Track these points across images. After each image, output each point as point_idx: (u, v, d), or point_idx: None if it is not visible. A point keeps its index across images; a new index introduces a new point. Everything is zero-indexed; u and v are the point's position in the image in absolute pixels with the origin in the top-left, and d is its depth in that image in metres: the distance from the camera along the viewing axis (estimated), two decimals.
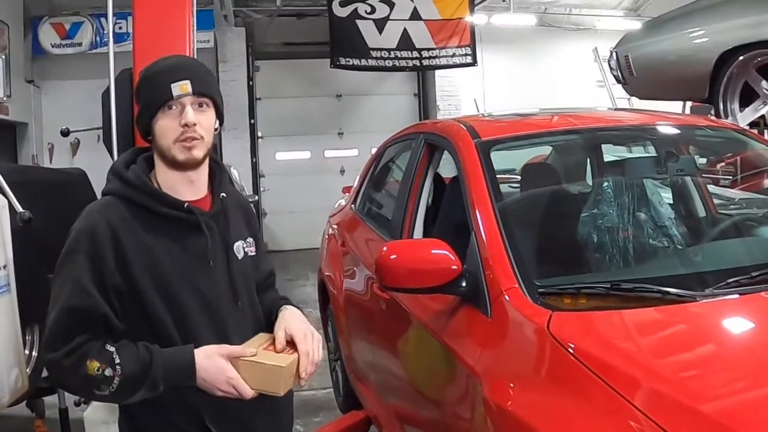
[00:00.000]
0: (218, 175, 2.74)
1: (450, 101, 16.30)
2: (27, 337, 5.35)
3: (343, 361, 5.92)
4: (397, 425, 4.35)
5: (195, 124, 2.53)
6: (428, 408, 3.71)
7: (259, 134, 16.14)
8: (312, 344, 2.62)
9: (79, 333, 2.42)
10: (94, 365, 2.39)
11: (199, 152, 2.56)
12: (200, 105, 2.57)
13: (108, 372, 2.40)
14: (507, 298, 3.05)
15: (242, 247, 2.73)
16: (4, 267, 4.40)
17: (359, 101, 16.59)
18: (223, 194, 2.70)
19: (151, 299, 2.50)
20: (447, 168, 4.83)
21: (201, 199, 2.66)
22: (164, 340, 2.51)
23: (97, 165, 6.57)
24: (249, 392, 2.47)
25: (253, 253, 2.79)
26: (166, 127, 2.53)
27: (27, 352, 5.36)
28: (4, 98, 12.38)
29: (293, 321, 2.70)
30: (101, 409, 4.37)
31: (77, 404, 5.20)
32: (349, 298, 5.45)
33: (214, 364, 2.46)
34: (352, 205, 6.16)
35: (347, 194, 6.73)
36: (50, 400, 5.56)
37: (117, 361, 2.40)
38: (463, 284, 3.25)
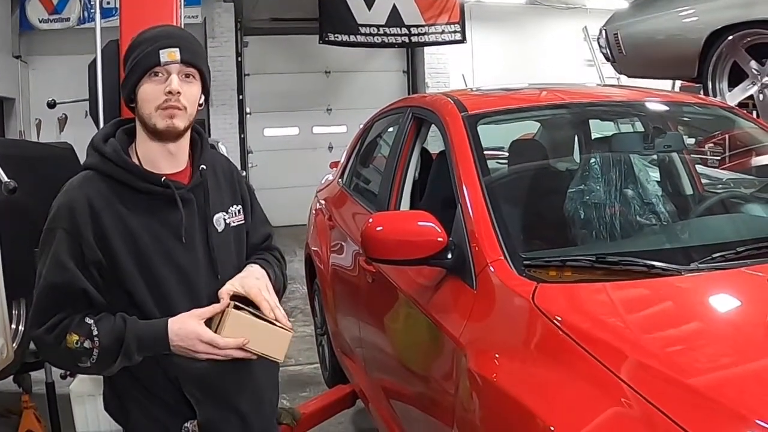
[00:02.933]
0: (199, 145, 2.72)
1: (439, 78, 16.28)
2: (14, 312, 5.33)
3: (329, 335, 5.93)
4: (383, 399, 4.36)
5: (179, 93, 2.50)
6: (414, 382, 3.71)
7: (248, 110, 16.07)
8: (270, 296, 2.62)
9: (60, 309, 2.46)
10: (73, 338, 2.44)
11: (180, 122, 2.53)
12: (187, 76, 2.54)
13: (87, 344, 2.44)
14: (492, 269, 3.04)
15: (223, 219, 2.71)
16: None
17: (348, 78, 16.56)
18: (203, 166, 2.68)
19: (129, 272, 2.51)
20: (434, 144, 4.83)
21: (181, 171, 2.65)
22: (143, 313, 2.52)
23: (84, 140, 6.48)
24: (221, 342, 2.47)
25: (239, 223, 2.78)
26: (149, 92, 2.51)
27: (14, 326, 5.34)
28: None
29: (247, 277, 2.67)
30: (87, 382, 4.37)
31: (63, 377, 5.20)
32: (335, 273, 5.45)
33: (186, 328, 2.47)
34: (340, 180, 6.15)
35: (334, 169, 6.73)
36: (38, 375, 5.58)
37: (95, 333, 2.44)
38: (449, 256, 3.25)
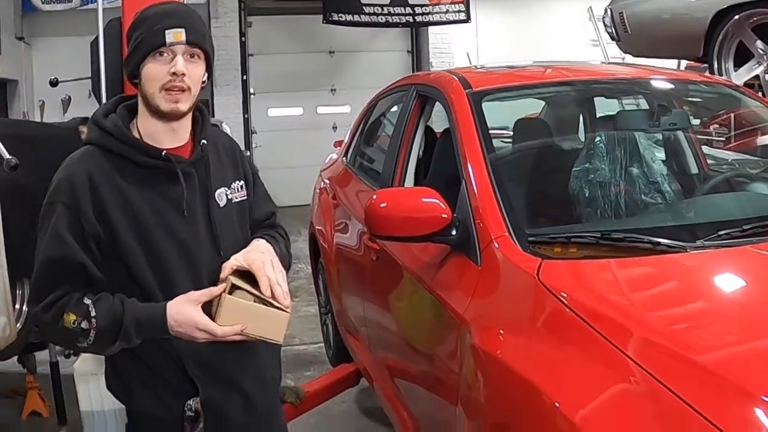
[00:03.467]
0: (200, 121, 2.69)
1: (443, 58, 16.21)
2: (18, 291, 5.32)
3: (333, 314, 5.92)
4: (388, 378, 4.36)
5: (184, 74, 2.48)
6: (418, 360, 3.71)
7: (252, 90, 16.02)
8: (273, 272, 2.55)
9: (58, 285, 2.44)
10: (70, 318, 2.41)
11: (183, 105, 2.51)
12: (192, 56, 2.51)
13: (84, 325, 2.41)
14: (496, 245, 3.03)
15: (225, 194, 2.68)
16: None
17: (352, 58, 16.51)
18: (204, 141, 2.65)
19: (129, 248, 2.49)
20: (438, 123, 4.82)
21: (182, 146, 2.62)
22: (143, 288, 2.50)
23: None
24: (219, 331, 2.42)
25: (241, 198, 2.75)
26: (154, 72, 2.48)
27: (18, 306, 5.34)
28: None
29: (252, 251, 2.61)
30: (90, 360, 4.36)
31: (66, 356, 5.21)
32: (339, 252, 5.44)
33: (184, 314, 2.43)
34: (344, 159, 6.13)
35: (338, 148, 6.70)
36: (42, 356, 5.57)
37: (93, 314, 2.41)
38: (453, 233, 3.23)
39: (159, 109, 2.51)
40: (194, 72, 2.51)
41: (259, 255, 2.58)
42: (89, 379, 4.30)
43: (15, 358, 5.62)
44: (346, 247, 5.22)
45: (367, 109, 6.13)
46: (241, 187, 2.76)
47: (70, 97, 14.00)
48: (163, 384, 2.60)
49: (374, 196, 3.33)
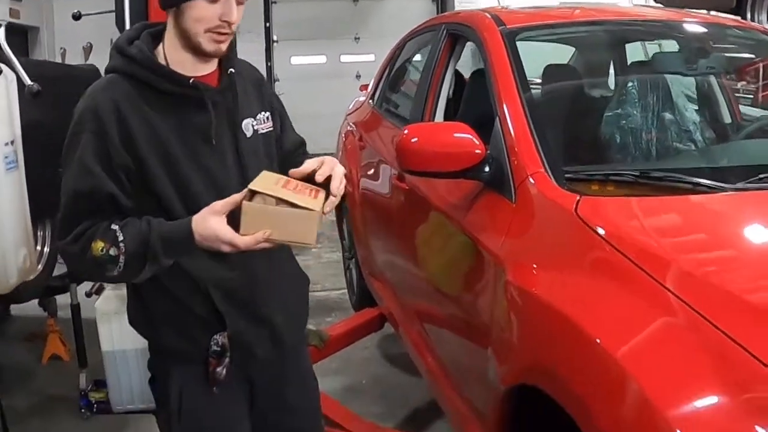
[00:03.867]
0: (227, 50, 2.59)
1: (468, 7, 16.02)
2: (39, 233, 5.28)
3: (357, 259, 5.86)
4: (414, 322, 4.30)
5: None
6: (447, 302, 3.64)
7: (275, 38, 15.85)
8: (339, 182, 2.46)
9: (86, 216, 2.36)
10: (98, 246, 2.32)
11: (225, 46, 2.45)
12: (239, 2, 2.42)
13: (113, 251, 2.33)
14: (532, 181, 2.94)
15: (251, 125, 2.61)
16: (12, 143, 4.28)
17: (376, 5, 16.30)
18: (231, 69, 2.57)
19: (157, 176, 2.41)
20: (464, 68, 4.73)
21: (209, 74, 2.53)
22: (171, 217, 2.42)
23: None
24: (240, 242, 2.28)
25: (268, 129, 2.67)
26: (203, 13, 2.37)
27: (39, 248, 5.29)
28: (16, 2, 12.16)
29: (317, 159, 2.51)
30: (112, 300, 4.32)
31: (88, 295, 5.15)
32: (365, 194, 5.37)
33: (207, 226, 2.31)
34: (370, 101, 6.04)
35: (364, 92, 6.62)
36: (62, 299, 5.51)
37: (120, 239, 2.32)
38: (486, 169, 3.15)
39: (200, 48, 2.42)
40: (239, 15, 2.42)
41: (326, 159, 2.51)
42: (111, 319, 4.26)
43: (35, 301, 5.60)
44: (373, 189, 5.14)
45: (395, 51, 6.03)
46: (267, 118, 2.68)
47: (91, 45, 13.89)
48: (189, 318, 2.54)
49: (405, 131, 3.25)
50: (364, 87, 6.83)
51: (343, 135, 6.44)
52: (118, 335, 4.15)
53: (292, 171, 2.41)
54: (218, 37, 2.41)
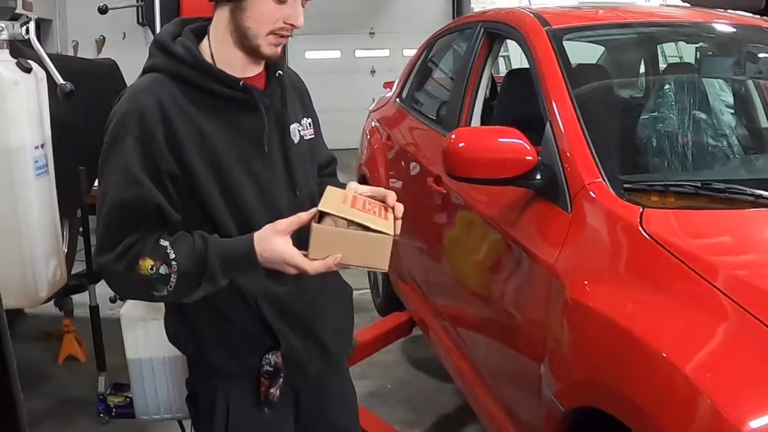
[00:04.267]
0: None
1: (484, 3, 15.87)
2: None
3: None
4: (449, 327, 4.16)
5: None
6: (490, 309, 3.51)
7: None
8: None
9: (131, 230, 2.16)
10: (147, 264, 2.14)
11: (280, 50, 2.31)
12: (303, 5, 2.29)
13: (163, 270, 2.14)
14: (592, 194, 2.80)
15: (298, 131, 2.45)
16: (42, 146, 4.05)
17: (391, 0, 16.19)
18: (280, 72, 2.41)
19: (205, 184, 2.23)
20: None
21: (256, 76, 2.37)
22: (218, 229, 2.26)
23: (122, 61, 6.38)
24: (309, 268, 2.13)
25: (311, 137, 2.52)
26: (270, 13, 2.22)
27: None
28: None
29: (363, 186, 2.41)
30: (138, 306, 4.16)
31: (113, 300, 5.01)
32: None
33: (271, 248, 2.15)
34: (397, 99, 5.89)
35: (388, 89, 6.46)
36: (78, 298, 5.39)
37: (172, 256, 2.14)
38: (538, 177, 3.01)
39: (258, 50, 2.27)
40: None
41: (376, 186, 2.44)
42: (137, 325, 4.08)
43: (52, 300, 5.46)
44: (404, 190, 5.00)
45: (424, 48, 5.88)
46: (309, 124, 2.53)
47: (104, 38, 13.80)
48: (237, 334, 2.38)
49: (453, 136, 3.11)
50: (389, 84, 6.67)
51: (368, 132, 6.29)
52: (144, 343, 3.98)
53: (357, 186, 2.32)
54: (279, 41, 2.27)
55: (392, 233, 2.11)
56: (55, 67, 4.32)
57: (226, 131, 2.26)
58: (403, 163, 5.10)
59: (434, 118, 4.93)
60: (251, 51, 2.28)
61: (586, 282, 2.58)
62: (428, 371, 5.35)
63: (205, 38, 2.33)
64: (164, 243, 2.16)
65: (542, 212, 3.02)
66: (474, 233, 3.75)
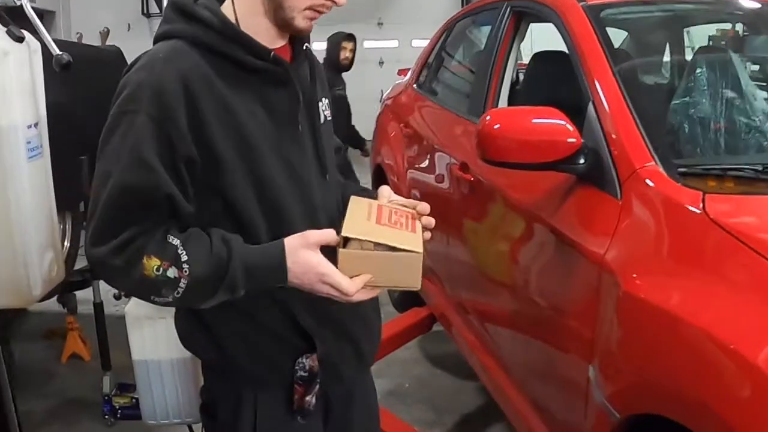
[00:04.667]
0: None
1: None
2: (59, 226, 4.85)
3: None
4: (475, 322, 3.93)
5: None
6: (525, 304, 3.26)
7: None
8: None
9: (134, 221, 1.86)
10: (152, 263, 1.85)
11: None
12: None
13: (171, 272, 1.86)
14: (645, 177, 2.55)
15: (322, 110, 2.20)
16: (36, 125, 3.66)
17: None
18: (307, 44, 2.15)
19: (231, 170, 1.93)
20: None
21: (281, 48, 2.08)
22: (243, 223, 1.98)
23: (126, 53, 6.14)
24: (350, 287, 1.90)
25: (331, 118, 2.27)
26: None
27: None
28: None
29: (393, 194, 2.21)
30: (144, 302, 3.90)
31: (117, 297, 4.75)
32: (415, 184, 4.98)
33: (303, 260, 1.90)
34: (414, 86, 5.65)
35: (403, 76, 6.24)
36: (83, 295, 5.12)
37: (184, 258, 1.86)
38: (581, 161, 2.76)
39: (291, 24, 2.00)
40: None
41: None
42: (143, 324, 3.80)
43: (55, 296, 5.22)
44: (424, 179, 4.75)
45: (443, 32, 5.64)
46: (328, 105, 2.27)
47: (108, 29, 13.62)
48: (265, 336, 2.10)
49: (488, 117, 2.85)
50: (403, 71, 6.46)
51: (383, 121, 6.04)
52: (151, 343, 3.71)
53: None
54: (315, 16, 2.00)
55: (421, 250, 1.92)
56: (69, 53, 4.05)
57: (254, 109, 1.98)
58: (423, 150, 4.86)
59: (457, 103, 4.69)
60: (283, 23, 2.01)
61: (642, 275, 2.32)
62: (448, 369, 5.17)
63: (228, 2, 2.04)
64: (174, 241, 1.88)
65: (587, 199, 2.77)
66: (507, 223, 3.50)
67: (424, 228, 2.07)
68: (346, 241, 1.90)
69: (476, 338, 3.90)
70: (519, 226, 3.35)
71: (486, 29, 4.59)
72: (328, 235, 1.92)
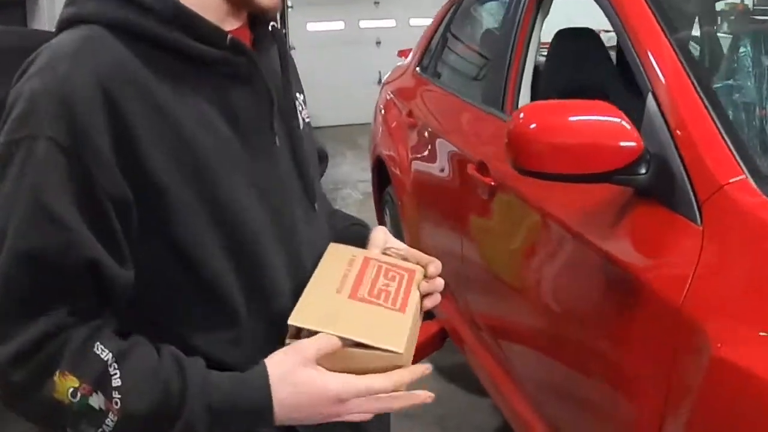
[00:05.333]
0: None
1: None
2: None
3: None
4: (492, 344, 3.37)
5: None
6: (561, 334, 2.68)
7: (289, 3, 14.86)
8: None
9: (42, 308, 1.24)
10: (67, 384, 1.23)
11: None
12: None
13: (95, 401, 1.24)
14: (739, 200, 1.94)
15: (299, 111, 1.58)
16: None
17: None
18: (273, 23, 1.51)
19: (184, 212, 1.30)
20: None
21: (237, 29, 1.44)
22: (205, 277, 1.35)
23: None
24: (396, 404, 1.36)
25: (309, 119, 1.65)
26: None
27: None
28: None
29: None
30: None
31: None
32: (420, 181, 4.35)
33: (299, 387, 1.30)
34: (417, 69, 5.02)
35: (404, 58, 5.58)
36: None
37: (116, 382, 1.25)
38: (643, 171, 2.15)
39: (256, 3, 1.41)
40: None
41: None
42: None
43: None
44: (434, 179, 4.12)
45: (449, 8, 5.00)
46: (304, 101, 1.64)
47: None
48: None
49: (521, 115, 2.22)
50: (404, 53, 5.81)
51: (383, 108, 5.40)
52: None
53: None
54: None
55: (401, 347, 1.33)
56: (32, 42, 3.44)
57: (210, 117, 1.35)
58: (430, 143, 4.23)
59: (469, 90, 4.09)
60: (241, 2, 1.42)
61: (740, 335, 1.71)
62: (461, 384, 4.65)
63: None
64: (103, 353, 1.26)
65: (652, 221, 2.15)
66: (542, 242, 2.84)
67: (424, 295, 1.53)
68: (297, 330, 1.35)
69: (493, 359, 3.34)
70: (557, 246, 2.70)
71: (500, 4, 4.00)
72: (328, 340, 1.32)
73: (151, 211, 1.29)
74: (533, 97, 3.48)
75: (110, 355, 1.25)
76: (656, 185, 2.13)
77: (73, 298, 1.26)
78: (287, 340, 1.32)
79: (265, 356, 1.33)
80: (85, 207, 1.23)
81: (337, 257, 1.50)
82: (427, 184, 4.24)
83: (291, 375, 1.29)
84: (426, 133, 4.31)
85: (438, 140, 4.04)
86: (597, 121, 2.15)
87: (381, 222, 5.52)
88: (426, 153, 4.29)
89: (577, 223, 2.45)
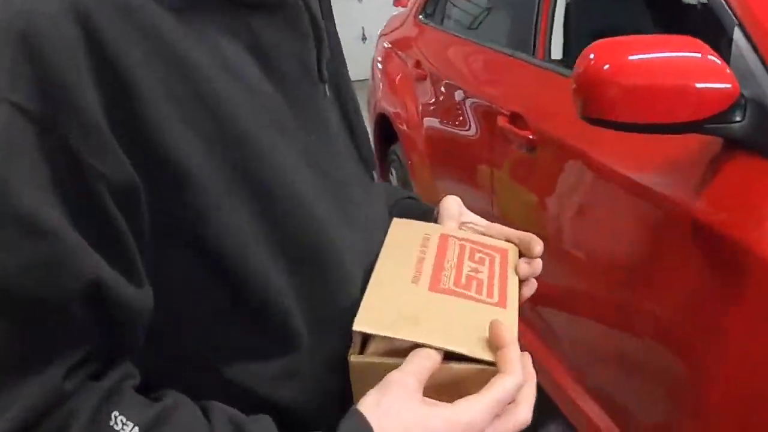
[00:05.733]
0: None
1: None
2: None
3: None
4: (538, 314, 3.02)
5: None
6: (627, 302, 2.35)
7: None
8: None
9: (26, 370, 0.80)
10: None
11: None
12: None
13: None
14: None
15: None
16: None
17: None
18: None
19: (211, 193, 0.88)
20: None
21: None
22: (251, 297, 0.93)
23: None
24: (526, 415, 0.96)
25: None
26: None
27: None
28: None
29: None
30: None
31: None
32: (434, 137, 3.99)
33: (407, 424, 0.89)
34: (420, 17, 4.63)
35: (400, 7, 5.18)
36: None
37: None
38: (738, 118, 1.82)
39: None
40: None
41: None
42: None
43: None
44: (452, 133, 3.76)
45: None
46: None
47: None
48: None
49: (591, 55, 1.88)
50: (400, 1, 5.41)
51: (382, 61, 5.02)
52: None
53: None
54: None
55: (491, 356, 0.95)
56: None
57: (241, 64, 0.95)
58: (445, 95, 3.86)
59: (490, 34, 3.75)
60: None
61: None
62: None
63: None
64: (125, 428, 0.82)
65: (750, 177, 1.84)
66: (600, 202, 2.50)
67: (523, 284, 1.18)
68: (365, 338, 0.99)
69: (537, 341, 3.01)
70: (623, 207, 2.32)
71: None
72: (427, 357, 0.94)
73: (169, 201, 0.87)
74: (566, 40, 3.15)
75: (136, 429, 0.84)
76: (754, 135, 1.81)
77: (70, 348, 0.83)
78: (351, 358, 0.96)
79: (325, 388, 0.99)
80: (72, 201, 0.81)
81: (406, 236, 1.16)
82: (443, 141, 3.87)
83: (393, 413, 0.89)
84: (440, 85, 3.93)
85: (457, 92, 3.65)
86: (686, 58, 1.82)
87: None
88: (441, 106, 3.91)
89: (652, 181, 2.11)
